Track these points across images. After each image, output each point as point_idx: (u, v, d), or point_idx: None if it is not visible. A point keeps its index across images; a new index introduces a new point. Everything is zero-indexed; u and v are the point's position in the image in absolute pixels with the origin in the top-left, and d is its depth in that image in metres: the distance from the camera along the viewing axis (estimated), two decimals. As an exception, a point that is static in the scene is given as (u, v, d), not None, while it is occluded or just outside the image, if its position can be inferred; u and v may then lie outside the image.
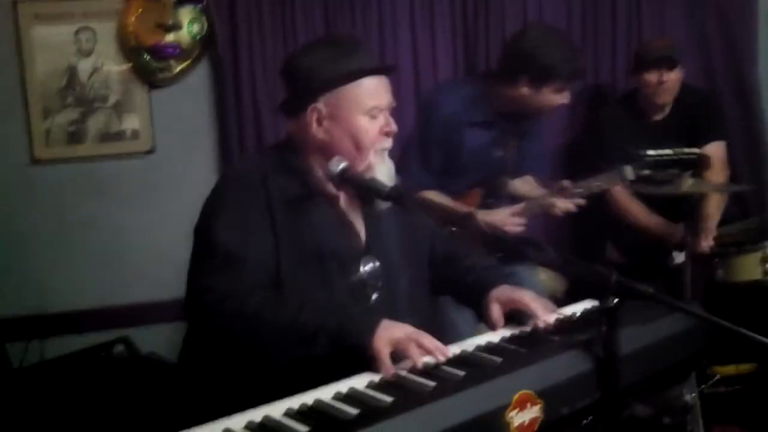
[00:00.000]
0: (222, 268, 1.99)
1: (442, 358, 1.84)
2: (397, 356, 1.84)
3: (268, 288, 2.01)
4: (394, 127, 2.16)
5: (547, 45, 3.21)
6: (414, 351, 1.82)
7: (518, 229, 3.33)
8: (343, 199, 2.17)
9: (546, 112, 3.34)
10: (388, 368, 1.80)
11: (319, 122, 2.14)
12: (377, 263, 2.18)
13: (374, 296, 2.15)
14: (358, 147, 2.12)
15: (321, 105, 2.12)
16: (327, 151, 2.14)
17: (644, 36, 4.33)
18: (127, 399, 3.07)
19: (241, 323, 1.93)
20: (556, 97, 3.26)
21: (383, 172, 2.14)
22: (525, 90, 3.23)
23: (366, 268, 2.16)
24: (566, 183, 3.32)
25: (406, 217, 2.31)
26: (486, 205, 3.43)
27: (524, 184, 3.60)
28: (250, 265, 1.99)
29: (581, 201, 3.32)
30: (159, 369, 3.26)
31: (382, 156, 2.16)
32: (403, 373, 1.79)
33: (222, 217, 2.05)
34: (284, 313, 1.91)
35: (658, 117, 3.95)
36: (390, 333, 1.86)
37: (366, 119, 2.12)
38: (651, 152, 3.34)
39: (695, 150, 3.38)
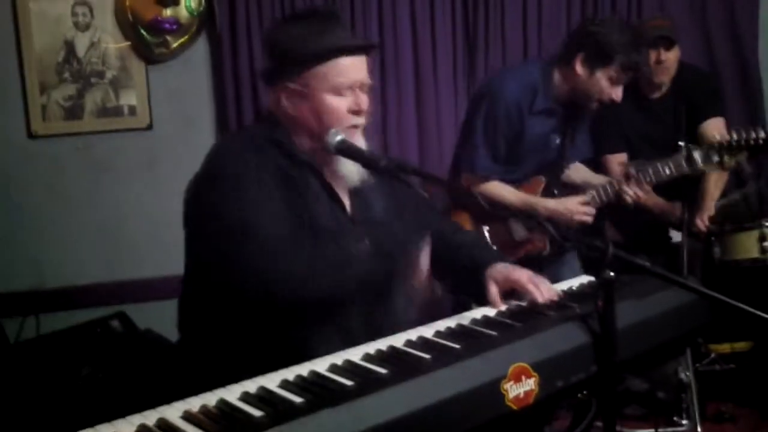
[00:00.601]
0: (271, 249, 1.99)
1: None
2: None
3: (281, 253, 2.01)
4: (363, 105, 2.13)
5: (609, 28, 3.20)
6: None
7: (588, 218, 3.34)
8: (328, 171, 2.16)
9: (598, 102, 3.29)
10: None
11: (288, 97, 2.14)
12: (362, 236, 2.17)
13: (363, 267, 2.14)
14: (322, 124, 2.11)
15: (289, 81, 2.12)
16: (298, 126, 2.14)
17: (644, 17, 4.33)
18: (122, 374, 3.07)
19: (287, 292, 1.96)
20: (609, 87, 3.22)
21: None
22: (579, 69, 3.22)
23: (353, 239, 2.15)
24: (632, 170, 3.33)
25: (394, 189, 2.29)
26: (550, 195, 3.44)
27: (577, 172, 3.60)
28: (262, 232, 1.99)
29: (649, 189, 3.34)
30: (156, 345, 3.26)
31: (351, 134, 2.12)
32: (400, 345, 1.79)
33: (238, 198, 2.02)
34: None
35: (656, 95, 3.94)
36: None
37: (332, 97, 2.10)
38: (718, 136, 3.32)
39: (763, 134, 3.35)
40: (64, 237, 3.99)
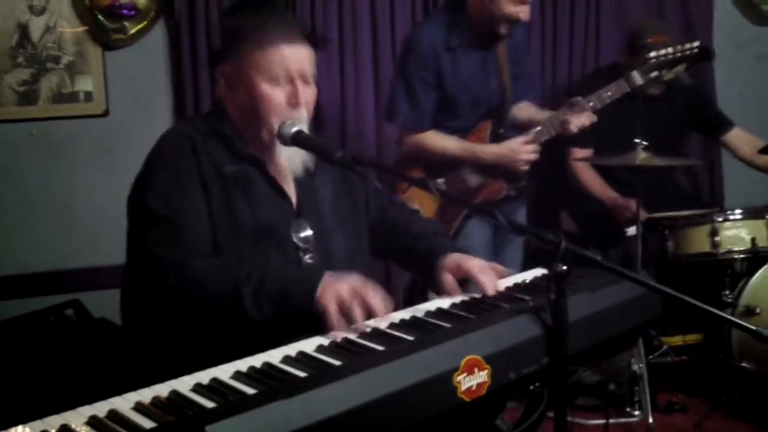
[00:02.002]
0: (164, 236, 1.99)
1: (383, 324, 1.83)
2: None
3: (209, 255, 2.00)
4: (302, 98, 2.08)
5: None
6: (357, 312, 1.81)
7: (533, 156, 3.35)
8: (270, 163, 2.14)
9: (506, 22, 3.30)
10: (338, 324, 1.79)
11: (228, 83, 2.13)
12: (308, 226, 2.16)
13: (308, 259, 2.14)
14: (257, 114, 2.09)
15: (228, 67, 2.11)
16: (239, 115, 2.13)
17: (603, 18, 4.36)
18: (75, 362, 3.04)
19: (186, 292, 1.92)
20: (514, 8, 3.25)
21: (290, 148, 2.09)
22: None
23: (298, 231, 2.14)
24: (577, 98, 3.34)
25: (342, 180, 2.28)
26: (497, 138, 3.45)
27: (523, 110, 3.61)
28: (189, 231, 1.99)
29: (594, 117, 3.34)
30: (110, 333, 3.23)
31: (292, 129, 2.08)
32: (354, 336, 1.80)
33: (155, 187, 2.04)
34: (225, 280, 1.90)
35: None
36: (335, 287, 1.84)
37: (268, 85, 2.06)
38: (653, 53, 3.37)
39: (696, 43, 3.40)
40: (17, 223, 3.94)
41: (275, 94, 2.07)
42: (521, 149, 3.35)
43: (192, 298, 1.92)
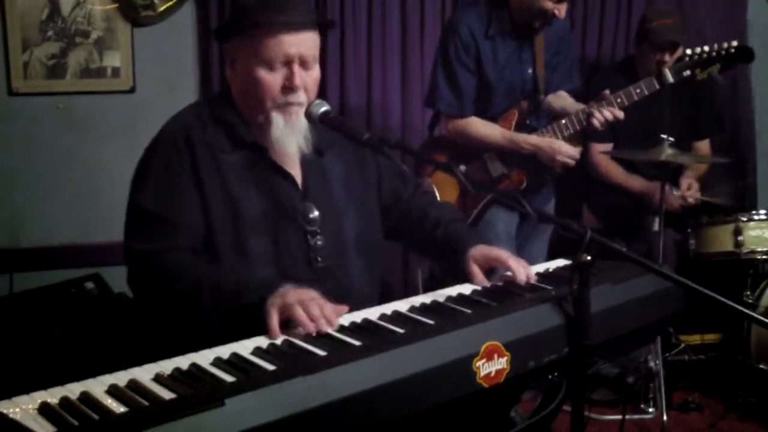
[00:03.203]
0: (143, 230, 2.01)
1: (325, 329, 1.72)
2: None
3: (194, 249, 2.00)
4: (298, 82, 2.04)
5: None
6: (300, 316, 1.74)
7: (570, 162, 3.36)
8: (273, 147, 2.10)
9: (542, 17, 3.31)
10: (275, 331, 1.73)
11: (230, 63, 2.13)
12: (315, 208, 2.14)
13: (318, 242, 2.12)
14: (252, 98, 2.08)
15: (231, 47, 2.11)
16: (240, 96, 2.12)
17: (634, 18, 4.32)
18: (95, 336, 3.06)
19: (155, 286, 1.97)
20: (552, 4, 3.25)
21: (283, 128, 2.07)
22: None
23: (305, 213, 2.13)
24: (606, 92, 3.33)
25: (353, 160, 2.26)
26: (526, 127, 3.47)
27: (559, 99, 3.60)
28: (172, 227, 1.99)
29: (620, 113, 3.33)
30: (128, 308, 3.25)
31: (288, 111, 2.07)
32: (374, 318, 1.79)
33: (144, 182, 2.05)
34: (191, 279, 1.92)
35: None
36: (284, 298, 1.79)
37: (262, 70, 2.04)
38: (689, 51, 3.34)
39: (734, 43, 3.36)
40: (40, 196, 3.96)
41: (270, 79, 2.04)
42: (562, 147, 3.35)
43: (160, 293, 1.97)
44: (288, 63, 2.04)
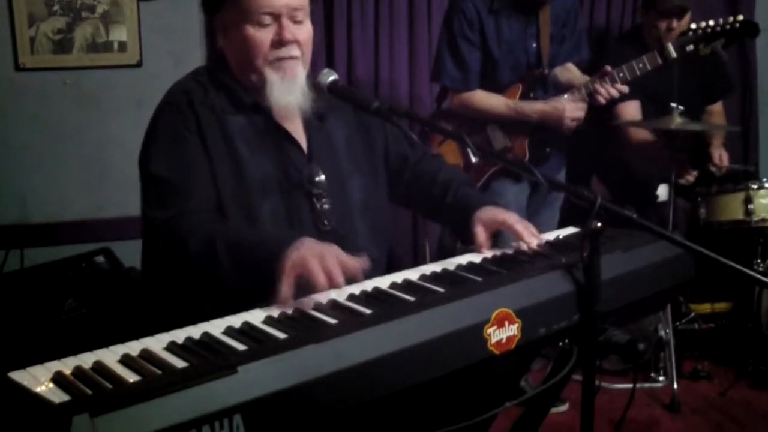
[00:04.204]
0: (159, 198, 1.98)
1: (340, 282, 1.70)
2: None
3: (208, 212, 1.98)
4: (287, 34, 2.03)
5: None
6: (314, 268, 1.69)
7: (579, 114, 3.37)
8: (272, 96, 2.07)
9: None
10: (284, 297, 1.68)
11: (221, 31, 2.11)
12: (321, 171, 2.13)
13: (325, 205, 2.12)
14: (245, 59, 2.06)
15: (221, 15, 2.09)
16: (236, 62, 2.10)
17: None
18: (106, 309, 3.08)
19: (172, 252, 1.91)
20: None
21: (279, 85, 2.05)
22: None
23: (310, 176, 2.11)
24: (608, 68, 3.32)
25: (358, 125, 2.24)
26: (530, 100, 3.46)
27: (565, 72, 3.59)
28: (185, 189, 1.96)
29: (624, 88, 3.33)
30: (138, 282, 3.26)
31: (281, 67, 2.05)
32: (384, 287, 1.80)
33: (153, 147, 2.03)
34: (207, 234, 1.87)
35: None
36: (301, 251, 1.73)
37: (252, 28, 2.02)
38: (693, 25, 3.33)
39: (739, 17, 3.34)
40: (49, 171, 3.96)
41: (259, 35, 2.02)
42: (567, 107, 3.34)
43: (175, 259, 1.90)
44: (277, 17, 2.02)
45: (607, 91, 3.31)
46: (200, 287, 1.92)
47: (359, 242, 2.13)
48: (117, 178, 3.99)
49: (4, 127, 3.89)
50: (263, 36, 2.03)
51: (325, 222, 2.11)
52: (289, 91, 2.06)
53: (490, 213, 2.15)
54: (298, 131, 2.14)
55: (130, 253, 3.44)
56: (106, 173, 4.01)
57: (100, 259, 3.30)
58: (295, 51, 2.06)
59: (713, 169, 3.90)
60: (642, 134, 3.95)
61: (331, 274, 1.70)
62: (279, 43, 2.04)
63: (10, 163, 3.91)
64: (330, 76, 2.03)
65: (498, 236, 2.16)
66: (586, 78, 3.46)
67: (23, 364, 1.37)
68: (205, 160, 2.00)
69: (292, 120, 2.12)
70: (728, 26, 3.31)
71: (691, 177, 3.77)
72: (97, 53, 3.93)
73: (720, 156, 3.90)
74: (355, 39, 4.13)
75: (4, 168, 3.91)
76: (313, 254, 1.72)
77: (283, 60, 2.05)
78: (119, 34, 3.93)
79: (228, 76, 2.12)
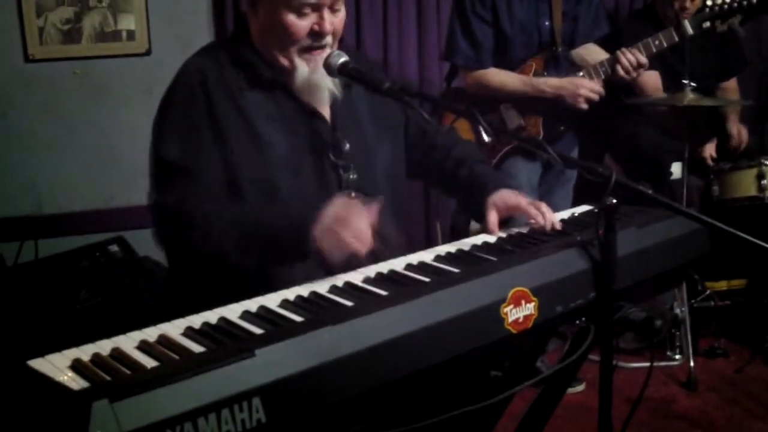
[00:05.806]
0: (169, 183, 1.96)
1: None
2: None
3: (221, 196, 1.95)
4: (328, 27, 2.00)
5: None
6: (349, 240, 1.73)
7: (594, 95, 3.35)
8: (299, 83, 2.05)
9: None
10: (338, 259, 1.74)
11: (252, 4, 2.06)
12: (347, 143, 2.11)
13: (352, 176, 2.10)
14: (277, 41, 2.02)
15: None
16: (262, 38, 2.06)
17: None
18: (121, 298, 3.09)
19: (182, 239, 1.91)
20: None
21: (309, 75, 2.03)
22: None
23: (336, 146, 2.09)
24: (623, 50, 3.33)
25: (376, 96, 2.15)
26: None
27: (583, 51, 3.56)
28: (195, 175, 1.94)
29: (644, 60, 3.32)
30: (152, 271, 3.27)
31: (312, 59, 2.03)
32: (400, 268, 1.79)
33: (164, 132, 2.00)
34: (225, 219, 1.87)
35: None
36: (324, 224, 1.76)
37: (290, 14, 1.98)
38: (709, 1, 3.30)
39: None
40: (60, 162, 3.97)
41: (300, 24, 1.99)
42: (582, 84, 3.32)
43: (191, 242, 1.89)
44: (318, 8, 1.99)
45: (635, 56, 3.28)
46: (213, 273, 1.92)
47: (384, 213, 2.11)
48: (128, 167, 3.99)
49: (15, 119, 3.90)
50: (302, 25, 1.99)
51: (352, 194, 2.06)
52: (322, 80, 2.04)
53: (504, 197, 2.14)
54: (321, 103, 2.11)
55: (143, 242, 3.45)
56: (117, 162, 4.02)
57: (114, 248, 3.31)
58: (328, 40, 2.04)
59: (734, 144, 3.88)
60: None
61: (360, 235, 1.74)
62: (317, 33, 2.01)
63: (22, 155, 3.92)
64: (340, 58, 2.01)
65: (510, 218, 2.15)
66: (605, 56, 3.44)
67: (40, 355, 1.37)
68: (218, 143, 1.98)
69: (315, 92, 2.08)
70: (745, 2, 3.28)
71: (712, 152, 3.76)
72: (105, 42, 3.93)
73: (739, 131, 3.88)
74: (364, 20, 4.11)
75: (16, 159, 3.92)
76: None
77: (314, 50, 2.03)
78: (127, 22, 3.93)
79: (248, 50, 2.08)
